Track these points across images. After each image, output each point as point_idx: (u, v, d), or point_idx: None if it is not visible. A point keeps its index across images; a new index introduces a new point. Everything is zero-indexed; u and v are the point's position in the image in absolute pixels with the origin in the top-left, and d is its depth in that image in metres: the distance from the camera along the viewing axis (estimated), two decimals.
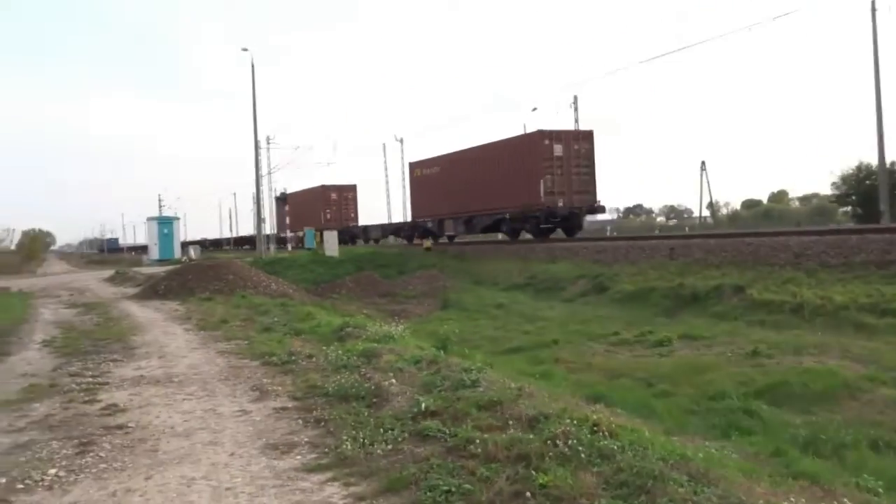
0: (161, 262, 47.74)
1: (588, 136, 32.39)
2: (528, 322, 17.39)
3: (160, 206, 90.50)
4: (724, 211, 75.13)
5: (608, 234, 48.16)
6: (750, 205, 77.66)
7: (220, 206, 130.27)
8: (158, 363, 9.57)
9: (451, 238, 40.31)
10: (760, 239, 19.78)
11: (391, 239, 49.39)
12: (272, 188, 61.82)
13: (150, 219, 58.35)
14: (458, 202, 36.23)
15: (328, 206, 57.13)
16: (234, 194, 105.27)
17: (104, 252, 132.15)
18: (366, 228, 53.39)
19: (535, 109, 62.24)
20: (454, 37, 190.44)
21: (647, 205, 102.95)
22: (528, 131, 33.36)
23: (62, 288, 26.63)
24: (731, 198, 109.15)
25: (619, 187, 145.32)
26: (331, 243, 36.16)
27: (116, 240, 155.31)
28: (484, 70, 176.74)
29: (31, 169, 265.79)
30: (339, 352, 8.93)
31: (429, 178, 40.46)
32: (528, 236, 34.20)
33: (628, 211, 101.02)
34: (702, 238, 23.25)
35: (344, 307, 19.35)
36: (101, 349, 10.83)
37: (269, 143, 49.55)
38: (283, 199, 59.03)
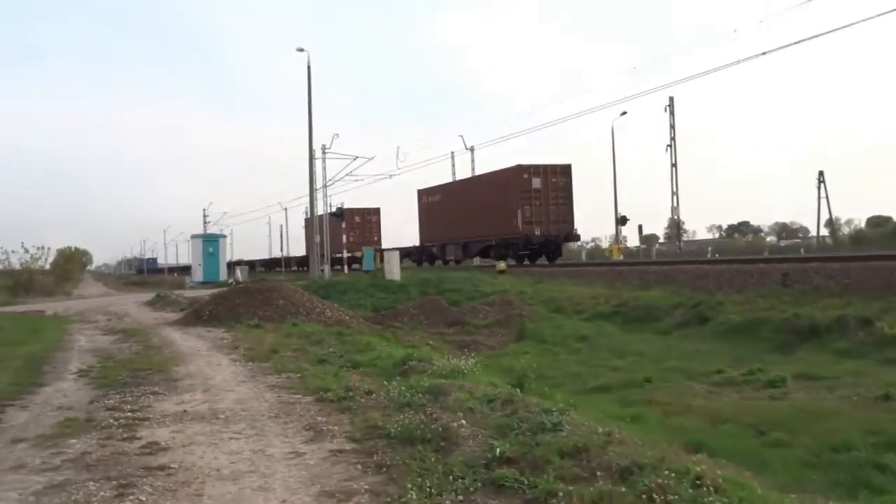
0: (205, 284, 49.11)
1: (566, 170, 40.09)
2: (616, 357, 17.17)
3: (205, 223, 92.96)
4: (845, 230, 73.23)
5: (709, 255, 47.32)
6: (877, 222, 75.26)
7: (269, 223, 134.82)
8: (203, 397, 9.68)
9: (457, 262, 47.52)
10: (892, 263, 19.14)
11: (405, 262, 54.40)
12: (328, 203, 63.10)
13: (194, 236, 60.48)
14: (456, 229, 43.94)
15: (351, 228, 62.04)
16: (286, 210, 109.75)
17: (143, 273, 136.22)
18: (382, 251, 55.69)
19: (624, 114, 61.72)
20: (527, 34, 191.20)
21: (754, 222, 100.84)
22: (509, 165, 41.12)
23: (99, 312, 27.45)
24: (855, 214, 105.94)
25: (719, 203, 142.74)
26: (392, 265, 36.72)
27: (155, 259, 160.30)
28: (560, 70, 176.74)
29: (67, 183, 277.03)
30: (402, 388, 8.94)
31: (433, 205, 49.81)
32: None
33: (732, 229, 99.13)
34: (820, 262, 22.69)
35: (407, 337, 19.38)
36: (141, 381, 11.06)
37: (324, 153, 50.29)
38: (339, 216, 60.04)
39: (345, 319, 20.39)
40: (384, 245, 62.30)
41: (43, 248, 53.32)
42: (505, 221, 39.44)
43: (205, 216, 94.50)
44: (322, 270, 45.56)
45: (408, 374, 10.46)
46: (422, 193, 52.74)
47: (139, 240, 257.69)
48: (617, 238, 56.74)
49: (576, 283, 30.36)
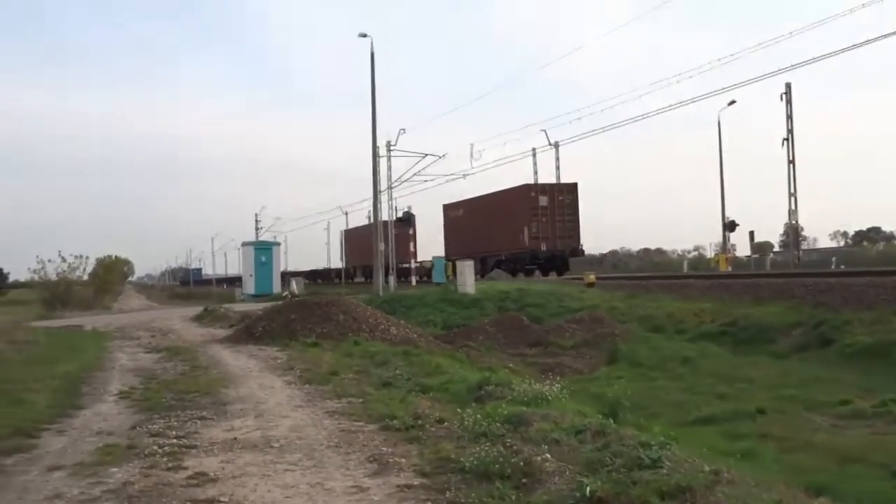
0: (257, 297, 49.56)
1: (572, 189, 47.74)
2: (723, 383, 16.85)
3: (257, 230, 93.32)
4: None
5: (833, 266, 46.16)
6: None
7: (328, 228, 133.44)
8: (254, 423, 9.73)
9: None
10: None
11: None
12: (393, 206, 63.25)
13: (245, 244, 60.68)
14: (474, 243, 49.57)
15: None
16: (346, 214, 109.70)
17: (189, 285, 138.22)
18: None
19: (732, 103, 60.71)
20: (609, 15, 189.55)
21: (886, 227, 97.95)
22: (518, 185, 49.46)
23: (142, 328, 28.01)
24: None
25: (844, 206, 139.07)
26: (466, 276, 36.73)
27: (200, 270, 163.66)
28: (649, 58, 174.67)
29: (107, 186, 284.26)
30: (478, 416, 8.86)
31: (456, 219, 56.57)
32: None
33: (860, 236, 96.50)
34: None
35: (482, 359, 19.35)
36: (187, 404, 11.19)
37: (389, 150, 50.37)
38: (407, 220, 59.89)
39: (412, 338, 20.43)
40: (425, 256, 64.29)
41: (81, 256, 54.68)
42: (513, 237, 46.74)
43: (257, 222, 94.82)
44: (387, 282, 45.68)
45: (484, 400, 10.41)
46: (447, 208, 60.38)
47: (185, 248, 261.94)
48: (724, 246, 55.63)
49: (676, 297, 29.84)
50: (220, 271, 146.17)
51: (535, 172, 65.89)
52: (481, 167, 79.05)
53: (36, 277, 54.82)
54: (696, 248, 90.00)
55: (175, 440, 8.84)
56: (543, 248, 46.38)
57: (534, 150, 63.78)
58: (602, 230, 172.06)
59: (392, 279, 48.67)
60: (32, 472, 7.71)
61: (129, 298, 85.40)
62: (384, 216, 48.40)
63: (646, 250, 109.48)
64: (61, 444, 8.93)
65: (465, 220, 52.94)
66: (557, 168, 61.57)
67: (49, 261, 52.80)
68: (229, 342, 21.17)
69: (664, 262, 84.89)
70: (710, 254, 66.30)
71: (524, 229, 46.36)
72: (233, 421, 9.88)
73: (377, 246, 43.01)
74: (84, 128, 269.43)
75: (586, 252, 48.44)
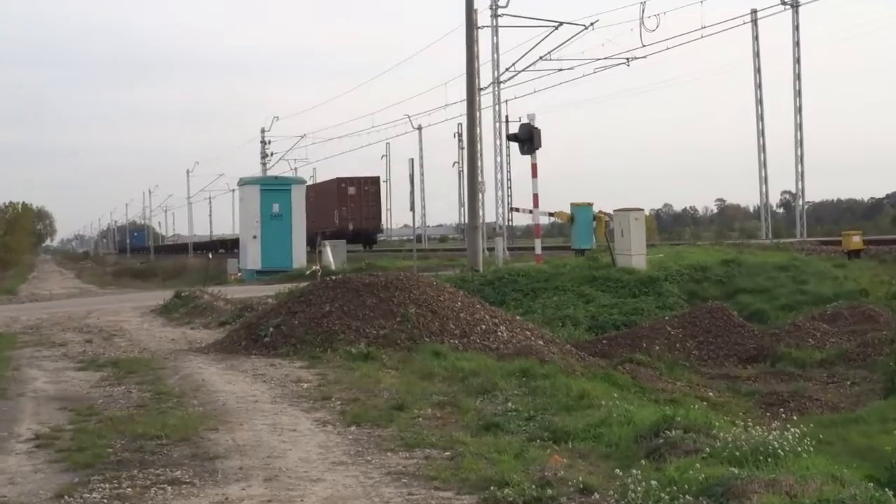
0: (266, 274, 36.87)
1: (375, 181, 63.50)
2: None
3: (264, 157, 67.70)
4: None
5: None
6: None
7: (388, 154, 78.81)
8: (264, 493, 7.35)
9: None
10: None
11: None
12: (499, 115, 47.88)
13: (244, 182, 42.92)
14: (313, 222, 53.91)
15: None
16: (419, 128, 70.73)
17: (126, 253, 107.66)
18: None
19: None
20: None
21: None
22: (331, 179, 65.42)
23: (70, 327, 21.40)
24: None
25: None
26: (634, 240, 26.40)
27: (144, 230, 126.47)
28: None
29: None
30: (653, 483, 6.89)
31: (308, 201, 57.98)
32: None
33: None
34: None
35: (660, 384, 15.12)
36: (150, 459, 8.50)
37: (496, 15, 38.08)
38: (528, 139, 33.48)
39: (536, 346, 15.63)
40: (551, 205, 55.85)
41: None
42: (330, 218, 59.83)
43: (264, 144, 67.68)
44: (491, 250, 34.76)
45: (664, 455, 8.04)
46: (308, 189, 72.42)
47: (142, 191, 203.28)
48: None
49: None
50: (201, 230, 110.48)
51: (756, 51, 44.65)
52: (661, 42, 42.17)
53: None
54: None
55: None
56: (350, 227, 59.56)
57: (754, 11, 44.57)
58: None
59: (502, 245, 36.31)
60: None
61: (46, 277, 64.58)
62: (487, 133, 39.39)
63: None
64: None
65: (310, 201, 57.19)
66: (797, 44, 42.61)
67: None
68: (219, 352, 16.26)
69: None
70: None
71: (335, 212, 60.46)
72: (227, 488, 7.55)
73: (472, 183, 30.59)
74: None
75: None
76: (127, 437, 9.35)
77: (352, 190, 61.33)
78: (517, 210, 45.21)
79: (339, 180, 62.62)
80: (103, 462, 8.27)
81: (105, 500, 7.16)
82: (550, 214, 38.64)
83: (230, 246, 67.16)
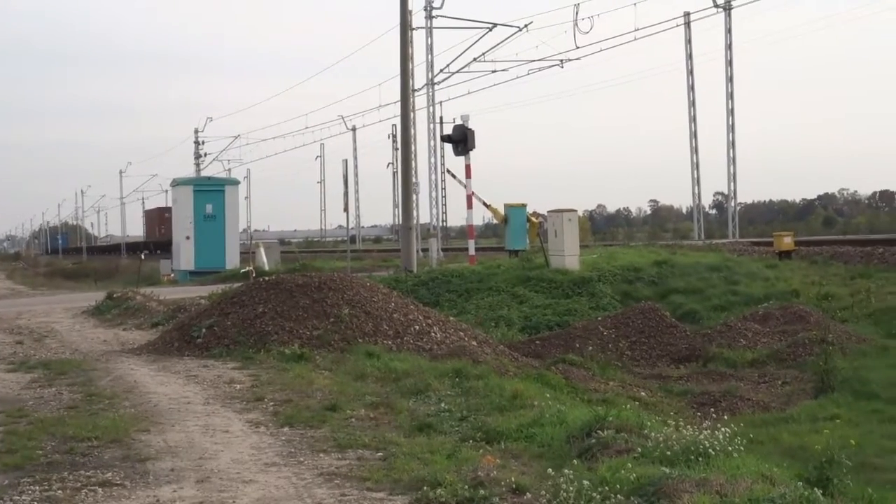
0: (199, 274, 37.27)
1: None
2: None
3: (198, 157, 68.56)
4: None
5: None
6: None
7: (322, 156, 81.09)
8: (196, 494, 7.28)
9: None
10: None
11: None
12: (433, 116, 47.72)
13: (178, 183, 42.83)
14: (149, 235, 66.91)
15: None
16: (354, 129, 72.97)
17: (58, 254, 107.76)
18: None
19: None
20: None
21: None
22: None
23: (0, 328, 21.45)
24: None
25: None
26: (566, 241, 26.36)
27: (65, 233, 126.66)
28: None
29: None
30: (585, 483, 6.81)
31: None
32: None
33: None
34: None
35: (593, 384, 14.92)
36: (81, 460, 8.46)
37: (430, 16, 39.07)
38: (461, 140, 35.63)
39: (470, 347, 15.54)
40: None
41: None
42: (155, 234, 72.72)
43: (198, 145, 69.41)
44: (425, 251, 35.85)
45: (596, 455, 8.02)
46: (152, 210, 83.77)
47: (73, 191, 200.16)
48: None
49: None
50: (135, 231, 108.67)
51: (689, 53, 46.12)
52: (595, 44, 45.74)
53: None
54: None
55: None
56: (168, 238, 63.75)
57: (687, 14, 44.62)
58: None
59: (435, 246, 36.81)
60: None
61: None
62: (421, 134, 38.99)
63: (884, 193, 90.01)
64: None
65: (150, 221, 76.79)
66: (729, 47, 44.47)
67: None
68: (151, 353, 16.05)
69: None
70: None
71: (158, 228, 70.12)
72: (158, 490, 7.47)
73: (406, 186, 30.71)
74: None
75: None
76: (57, 438, 9.26)
77: (167, 214, 67.73)
78: (452, 175, 42.65)
79: (161, 209, 75.24)
80: (33, 464, 8.17)
81: (35, 503, 7.09)
82: (485, 204, 38.30)
83: (153, 248, 70.31)
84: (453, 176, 38.46)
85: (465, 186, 33.04)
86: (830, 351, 15.69)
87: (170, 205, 74.60)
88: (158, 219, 71.71)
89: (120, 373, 13.75)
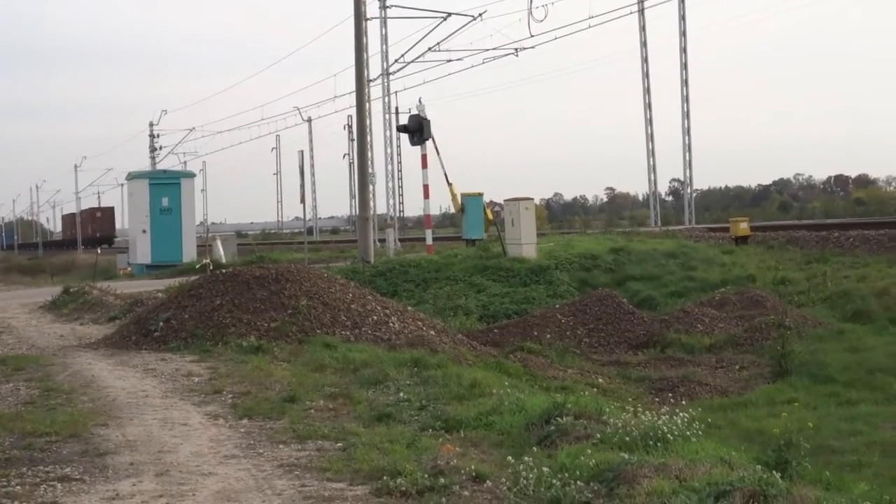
0: (156, 268, 36.45)
1: (108, 210, 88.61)
2: None
3: (153, 151, 68.22)
4: None
5: None
6: None
7: (278, 148, 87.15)
8: (155, 488, 7.20)
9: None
10: None
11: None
12: (389, 107, 48.98)
13: (133, 176, 42.56)
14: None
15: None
16: (309, 120, 76.49)
17: (13, 250, 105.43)
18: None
19: None
20: None
21: None
22: None
23: None
24: None
25: None
26: (523, 229, 26.14)
27: (12, 231, 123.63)
28: None
29: None
30: (544, 470, 6.81)
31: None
32: None
33: None
34: None
35: (551, 372, 14.90)
36: (38, 455, 8.34)
37: (384, 6, 39.72)
38: (418, 130, 33.46)
39: (428, 336, 15.20)
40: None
41: None
42: (87, 231, 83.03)
43: (153, 138, 69.05)
44: (382, 241, 35.46)
45: (555, 442, 7.97)
46: (85, 210, 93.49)
47: (29, 185, 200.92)
48: None
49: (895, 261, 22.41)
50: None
51: (643, 41, 46.68)
52: (549, 32, 48.60)
53: None
54: None
55: None
56: (98, 234, 76.68)
57: (641, 2, 43.77)
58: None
59: (393, 236, 36.44)
60: None
61: None
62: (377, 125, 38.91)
63: (839, 178, 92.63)
64: None
65: (83, 219, 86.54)
66: (683, 34, 45.39)
67: None
68: (109, 347, 15.69)
69: (872, 198, 67.30)
70: None
71: (89, 226, 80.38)
72: (117, 484, 7.38)
73: (362, 177, 30.33)
74: None
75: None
76: (15, 434, 9.13)
77: (98, 214, 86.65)
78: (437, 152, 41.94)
79: (94, 209, 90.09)
80: None
81: None
82: (448, 182, 37.74)
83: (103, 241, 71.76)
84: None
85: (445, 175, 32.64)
86: (787, 335, 15.92)
87: (106, 205, 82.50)
88: (90, 218, 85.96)
89: (77, 367, 13.49)
